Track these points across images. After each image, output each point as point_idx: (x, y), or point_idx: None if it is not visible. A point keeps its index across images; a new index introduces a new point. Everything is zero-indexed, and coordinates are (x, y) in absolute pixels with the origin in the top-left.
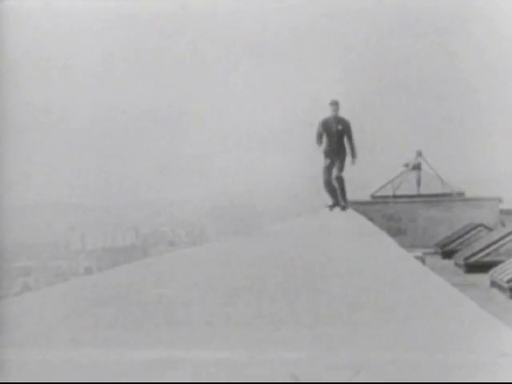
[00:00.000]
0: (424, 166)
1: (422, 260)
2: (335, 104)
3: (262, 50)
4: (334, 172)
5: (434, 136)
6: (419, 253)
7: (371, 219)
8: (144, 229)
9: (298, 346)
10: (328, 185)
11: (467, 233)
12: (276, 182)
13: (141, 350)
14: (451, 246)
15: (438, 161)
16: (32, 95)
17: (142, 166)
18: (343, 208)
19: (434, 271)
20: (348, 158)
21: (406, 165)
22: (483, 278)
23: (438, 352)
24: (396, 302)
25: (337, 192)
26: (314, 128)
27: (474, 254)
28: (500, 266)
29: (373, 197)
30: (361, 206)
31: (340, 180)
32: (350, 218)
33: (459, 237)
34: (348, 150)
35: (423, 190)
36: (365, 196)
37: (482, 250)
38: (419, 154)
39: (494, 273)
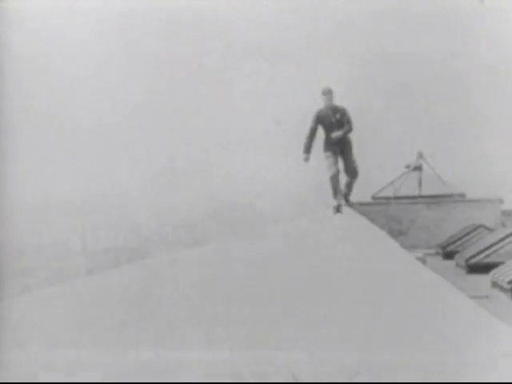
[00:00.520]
0: (425, 167)
1: (423, 261)
2: (329, 92)
3: (264, 51)
4: (349, 164)
5: (435, 137)
6: (420, 253)
7: (372, 220)
8: (145, 229)
9: (298, 346)
10: (335, 178)
11: (468, 234)
12: (276, 183)
13: (141, 350)
14: (452, 247)
15: (439, 162)
16: (32, 95)
17: (142, 166)
18: (347, 201)
19: (435, 272)
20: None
21: (407, 166)
22: (484, 279)
23: (439, 352)
24: (397, 302)
25: (338, 190)
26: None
27: (475, 255)
28: (501, 266)
29: (374, 198)
30: (362, 207)
31: (356, 172)
32: (350, 219)
33: (460, 238)
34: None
35: (424, 191)
36: (366, 197)
37: (483, 251)
38: (420, 155)
39: (495, 274)
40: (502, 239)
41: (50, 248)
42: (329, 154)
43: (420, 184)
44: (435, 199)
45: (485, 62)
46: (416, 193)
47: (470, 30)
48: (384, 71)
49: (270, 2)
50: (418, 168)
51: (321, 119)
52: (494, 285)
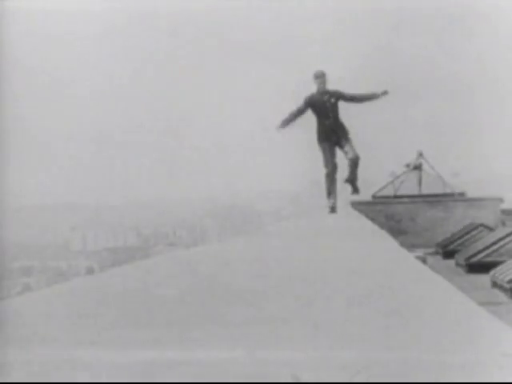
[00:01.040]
0: (425, 167)
1: (423, 260)
2: (322, 75)
3: (263, 51)
4: (349, 153)
5: (435, 136)
6: (420, 253)
7: (372, 219)
8: (145, 229)
9: (298, 345)
10: (332, 175)
11: (468, 233)
12: (276, 182)
13: (141, 350)
14: (452, 246)
15: (439, 161)
16: (32, 96)
17: (142, 166)
18: (355, 190)
19: (434, 271)
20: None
21: (407, 165)
22: (484, 279)
23: (439, 352)
24: (396, 301)
25: (333, 189)
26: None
27: (475, 254)
28: (501, 266)
29: (374, 197)
30: (362, 206)
31: (357, 159)
32: (350, 218)
33: (460, 237)
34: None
35: (424, 191)
36: (366, 196)
37: (483, 251)
38: (420, 154)
39: (495, 273)
40: (502, 238)
41: (49, 248)
42: (325, 145)
43: (420, 183)
44: (435, 198)
45: (485, 62)
46: (416, 192)
47: (470, 30)
48: (384, 71)
49: (269, 4)
50: (418, 167)
51: (313, 104)
52: (494, 284)
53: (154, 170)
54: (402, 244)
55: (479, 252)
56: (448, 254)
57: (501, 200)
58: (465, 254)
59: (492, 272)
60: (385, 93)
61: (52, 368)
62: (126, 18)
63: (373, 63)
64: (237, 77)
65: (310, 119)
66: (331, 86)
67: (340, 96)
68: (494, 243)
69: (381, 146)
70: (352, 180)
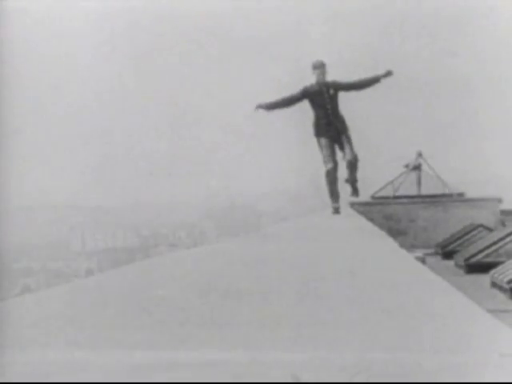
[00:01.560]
0: (424, 167)
1: (423, 260)
2: (321, 66)
3: (263, 49)
4: (347, 154)
5: (435, 137)
6: (419, 253)
7: (371, 220)
8: (144, 230)
9: (298, 346)
10: (333, 174)
11: (467, 233)
12: (276, 183)
13: (141, 351)
14: (451, 247)
15: (438, 161)
16: (32, 95)
17: (142, 167)
18: (355, 192)
19: (434, 272)
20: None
21: (407, 165)
22: (484, 279)
23: (438, 352)
24: (396, 302)
25: (335, 189)
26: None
27: (474, 255)
28: (500, 266)
29: (373, 197)
30: (361, 207)
31: (356, 162)
32: (349, 219)
33: (459, 237)
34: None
35: (423, 191)
36: (365, 197)
37: (482, 251)
38: (419, 154)
39: (495, 273)
40: (502, 239)
41: (50, 248)
42: (323, 141)
43: (419, 183)
44: (434, 199)
45: (485, 62)
46: (415, 192)
47: (470, 30)
48: (383, 71)
49: (269, 3)
50: (417, 167)
51: (310, 96)
52: (494, 284)
53: (153, 171)
54: (402, 244)
55: (478, 252)
56: (447, 255)
57: (500, 200)
58: (464, 255)
59: (491, 272)
60: (388, 74)
61: (51, 368)
62: (127, 18)
63: (373, 63)
64: (237, 76)
65: (311, 118)
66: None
67: (338, 86)
68: (494, 244)
69: (380, 146)
70: (352, 181)
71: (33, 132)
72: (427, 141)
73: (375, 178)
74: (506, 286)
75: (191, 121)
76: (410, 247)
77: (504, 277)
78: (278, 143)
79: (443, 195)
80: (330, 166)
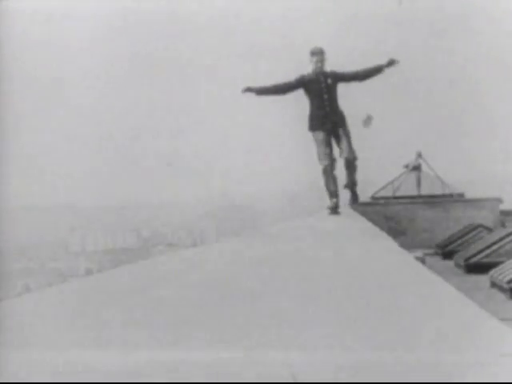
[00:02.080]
0: (424, 167)
1: (422, 260)
2: (320, 53)
3: (263, 51)
4: (345, 151)
5: (435, 137)
6: (419, 253)
7: (371, 220)
8: (144, 230)
9: (298, 346)
10: (329, 171)
11: (467, 233)
12: (276, 183)
13: (141, 350)
14: (451, 247)
15: (438, 162)
16: (32, 96)
17: (141, 167)
18: (355, 199)
19: (434, 272)
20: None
21: (406, 166)
22: (483, 279)
23: (438, 352)
24: (396, 302)
25: (333, 186)
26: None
27: (474, 255)
28: (500, 266)
29: (373, 198)
30: (361, 207)
31: (354, 160)
32: (349, 219)
33: (459, 237)
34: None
35: (423, 191)
36: (365, 197)
37: (482, 251)
38: (419, 154)
39: (495, 273)
40: (502, 239)
41: (49, 248)
42: (318, 134)
43: (419, 184)
44: (434, 199)
45: (486, 61)
46: (415, 193)
47: (470, 30)
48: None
49: (272, 4)
50: (417, 168)
51: (306, 84)
52: (493, 285)
53: (153, 171)
54: (401, 244)
55: (478, 252)
56: (447, 255)
57: (500, 201)
58: (464, 255)
59: (491, 272)
60: (392, 63)
61: (51, 368)
62: (127, 19)
63: (372, 63)
64: (236, 76)
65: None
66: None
67: (339, 77)
68: (494, 244)
69: (380, 145)
70: (351, 185)
71: (33, 132)
72: (427, 141)
73: (375, 178)
74: (506, 286)
75: (191, 120)
76: (409, 247)
77: (504, 277)
78: (278, 143)
79: (443, 195)
80: (326, 162)
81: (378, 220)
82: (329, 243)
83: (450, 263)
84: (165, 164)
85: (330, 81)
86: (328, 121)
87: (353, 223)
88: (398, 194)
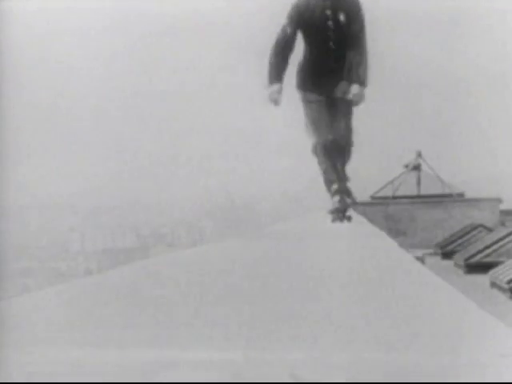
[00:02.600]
0: (424, 167)
1: (422, 260)
2: None
3: (263, 51)
4: (337, 128)
5: (434, 136)
6: (419, 253)
7: (371, 220)
8: (144, 230)
9: (298, 345)
10: (326, 153)
11: (467, 233)
12: (276, 183)
13: (141, 350)
14: (451, 247)
15: (438, 161)
16: (32, 96)
17: (141, 166)
18: (344, 203)
19: (433, 272)
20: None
21: (406, 165)
22: (483, 279)
23: (438, 352)
24: (395, 302)
25: (339, 175)
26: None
27: (473, 255)
28: (500, 266)
29: (373, 197)
30: (360, 207)
31: (346, 144)
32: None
33: (459, 237)
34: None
35: (423, 191)
36: (365, 197)
37: (482, 251)
38: (419, 154)
39: (494, 273)
40: (501, 239)
41: (49, 248)
42: (313, 101)
43: (419, 184)
44: (434, 199)
45: (484, 62)
46: (415, 192)
47: (469, 30)
48: (383, 71)
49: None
50: (417, 167)
51: (303, 18)
52: (493, 285)
53: (152, 170)
54: (401, 244)
55: (478, 252)
56: (447, 255)
57: (500, 200)
58: (464, 255)
59: (491, 272)
60: (355, 101)
61: (51, 368)
62: (127, 18)
63: (372, 63)
64: (237, 76)
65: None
66: None
67: (353, 20)
68: (493, 244)
69: (380, 145)
70: (341, 185)
71: (33, 132)
72: (427, 140)
73: (375, 178)
74: (506, 286)
75: (191, 120)
76: (409, 247)
77: (504, 277)
78: (279, 143)
79: (443, 195)
80: (320, 139)
81: (378, 220)
82: (328, 243)
83: (450, 263)
84: (164, 163)
85: (342, 17)
86: (330, 80)
87: (352, 223)
88: (398, 193)
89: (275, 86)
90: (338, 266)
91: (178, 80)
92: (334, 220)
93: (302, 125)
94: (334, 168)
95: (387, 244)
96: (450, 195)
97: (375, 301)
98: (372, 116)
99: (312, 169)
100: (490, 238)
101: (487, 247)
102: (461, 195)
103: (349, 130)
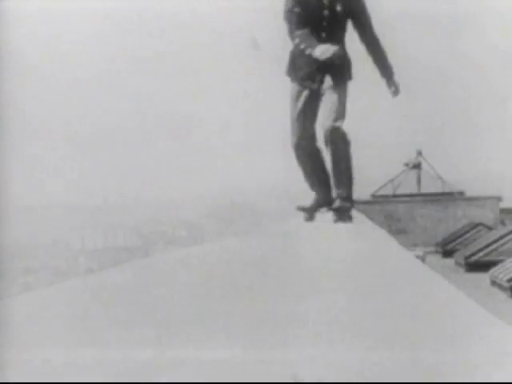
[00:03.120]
0: (424, 165)
1: (422, 259)
2: None
3: (265, 49)
4: (327, 118)
5: (435, 135)
6: (419, 252)
7: (371, 218)
8: (144, 228)
9: (298, 345)
10: (306, 150)
11: (467, 232)
12: (276, 182)
13: (141, 350)
14: (451, 245)
15: (438, 160)
16: (32, 96)
17: (141, 166)
18: (345, 209)
19: (434, 270)
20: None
21: (406, 164)
22: (483, 277)
23: (438, 351)
24: (395, 300)
25: (323, 170)
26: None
27: (474, 253)
28: (500, 265)
29: (373, 196)
30: (361, 206)
31: (341, 140)
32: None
33: (459, 236)
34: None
35: (423, 189)
36: (365, 195)
37: (482, 249)
38: (419, 153)
39: (494, 272)
40: (502, 237)
41: (49, 248)
42: (300, 90)
43: (419, 182)
44: (434, 197)
45: (486, 61)
46: (415, 191)
47: (469, 30)
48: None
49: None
50: (417, 166)
51: (300, 2)
52: (493, 283)
53: (153, 169)
54: (402, 243)
55: (478, 251)
56: (447, 253)
57: (500, 199)
58: (464, 253)
59: (491, 271)
60: (395, 91)
61: (52, 368)
62: (127, 19)
63: (371, 63)
64: (237, 76)
65: None
66: None
67: (354, 12)
68: (493, 242)
69: (380, 145)
70: (340, 190)
71: (32, 132)
72: (427, 139)
73: (375, 176)
74: (506, 285)
75: (191, 120)
76: (409, 245)
77: (504, 275)
78: (279, 143)
79: (443, 194)
80: (299, 135)
81: (378, 218)
82: (328, 242)
83: (451, 261)
84: (164, 163)
85: (339, 8)
86: (320, 69)
87: (352, 221)
88: (398, 192)
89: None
90: (338, 265)
91: (177, 81)
92: (335, 221)
93: None
94: (316, 173)
95: (387, 242)
96: (450, 194)
97: (375, 299)
98: (372, 116)
99: None
100: (490, 237)
101: (487, 246)
102: (461, 193)
103: (341, 117)
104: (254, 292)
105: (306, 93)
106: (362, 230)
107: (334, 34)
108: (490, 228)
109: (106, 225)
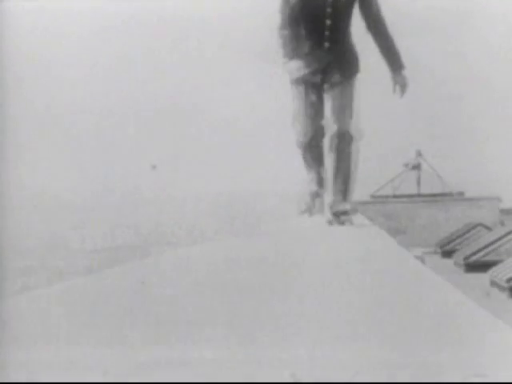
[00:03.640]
0: (424, 166)
1: (422, 259)
2: None
3: (264, 51)
4: (335, 121)
5: (434, 136)
6: (419, 252)
7: (371, 218)
8: (144, 228)
9: (298, 345)
10: (313, 150)
11: (467, 232)
12: (276, 182)
13: (141, 350)
14: (451, 246)
15: (438, 160)
16: (32, 96)
17: (141, 165)
18: (344, 213)
19: (433, 270)
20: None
21: (406, 164)
22: (483, 278)
23: (437, 351)
24: (395, 300)
25: (321, 172)
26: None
27: (473, 254)
28: (499, 265)
29: (372, 196)
30: (360, 206)
31: (347, 145)
32: None
33: (459, 236)
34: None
35: (423, 190)
36: (364, 196)
37: (481, 250)
38: (419, 153)
39: (494, 272)
40: (501, 238)
41: (49, 247)
42: (302, 89)
43: (419, 182)
44: (434, 198)
45: (485, 61)
46: (415, 191)
47: (471, 29)
48: (382, 71)
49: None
50: (417, 166)
51: None
52: (493, 283)
53: (152, 169)
54: (401, 243)
55: (478, 251)
56: (447, 254)
57: (499, 199)
58: (463, 253)
59: (490, 271)
60: (403, 87)
61: (52, 368)
62: (127, 19)
63: (371, 63)
64: (237, 76)
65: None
66: None
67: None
68: (493, 242)
69: (380, 144)
70: (341, 189)
71: (32, 131)
72: (427, 139)
73: (375, 176)
74: (505, 285)
75: (191, 120)
76: (409, 246)
77: (503, 275)
78: (279, 142)
79: (443, 194)
80: (307, 135)
81: (378, 218)
82: (328, 242)
83: (450, 262)
84: (164, 162)
85: None
86: (323, 66)
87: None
88: (398, 192)
89: (288, 60)
90: (337, 265)
91: (177, 80)
92: (331, 223)
93: None
94: (316, 169)
95: (387, 243)
96: (449, 194)
97: (375, 299)
98: (372, 115)
99: None
100: (489, 237)
101: (487, 246)
102: (460, 194)
103: (349, 118)
104: (254, 292)
105: (310, 90)
106: (362, 230)
107: (339, 21)
108: (489, 228)
109: (105, 224)
